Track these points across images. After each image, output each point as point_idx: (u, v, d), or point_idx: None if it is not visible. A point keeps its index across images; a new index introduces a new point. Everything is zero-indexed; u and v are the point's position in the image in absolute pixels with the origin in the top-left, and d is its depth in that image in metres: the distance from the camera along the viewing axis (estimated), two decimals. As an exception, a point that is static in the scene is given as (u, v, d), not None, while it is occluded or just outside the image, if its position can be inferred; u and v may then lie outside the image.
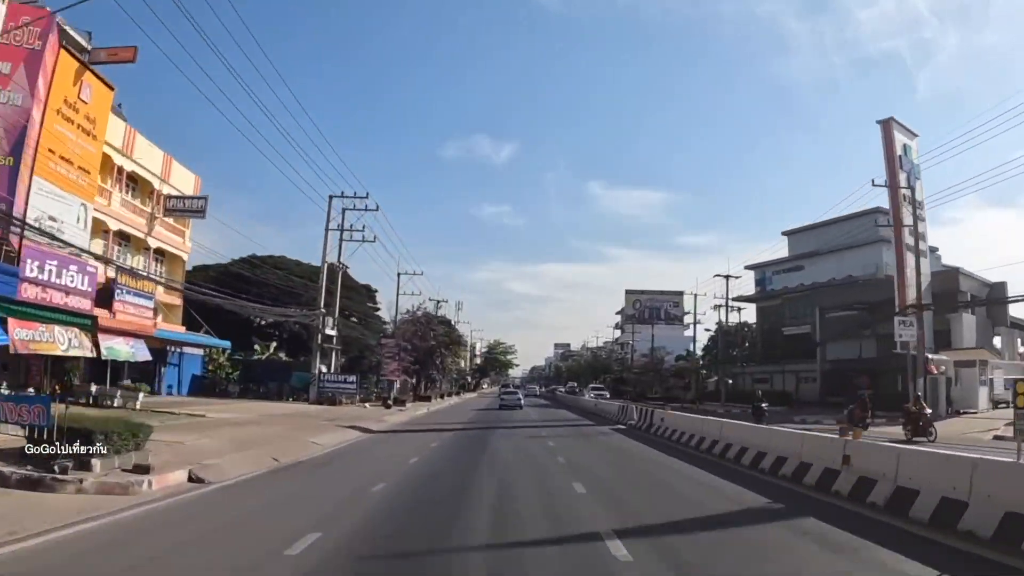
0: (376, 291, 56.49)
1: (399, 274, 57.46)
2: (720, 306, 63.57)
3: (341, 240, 40.40)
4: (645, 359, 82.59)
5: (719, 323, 75.77)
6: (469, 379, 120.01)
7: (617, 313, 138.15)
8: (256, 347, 45.41)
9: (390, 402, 37.05)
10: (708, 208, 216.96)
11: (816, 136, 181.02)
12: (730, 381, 70.95)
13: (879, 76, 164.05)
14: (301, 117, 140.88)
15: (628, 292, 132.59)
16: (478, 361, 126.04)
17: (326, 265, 39.11)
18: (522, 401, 48.07)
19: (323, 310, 38.24)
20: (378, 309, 55.52)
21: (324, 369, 39.91)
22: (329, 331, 39.15)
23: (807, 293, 62.18)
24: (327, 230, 39.60)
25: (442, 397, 58.82)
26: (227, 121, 74.80)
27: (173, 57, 65.46)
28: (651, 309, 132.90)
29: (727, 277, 62.34)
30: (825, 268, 64.63)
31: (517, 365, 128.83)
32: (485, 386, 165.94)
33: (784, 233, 74.65)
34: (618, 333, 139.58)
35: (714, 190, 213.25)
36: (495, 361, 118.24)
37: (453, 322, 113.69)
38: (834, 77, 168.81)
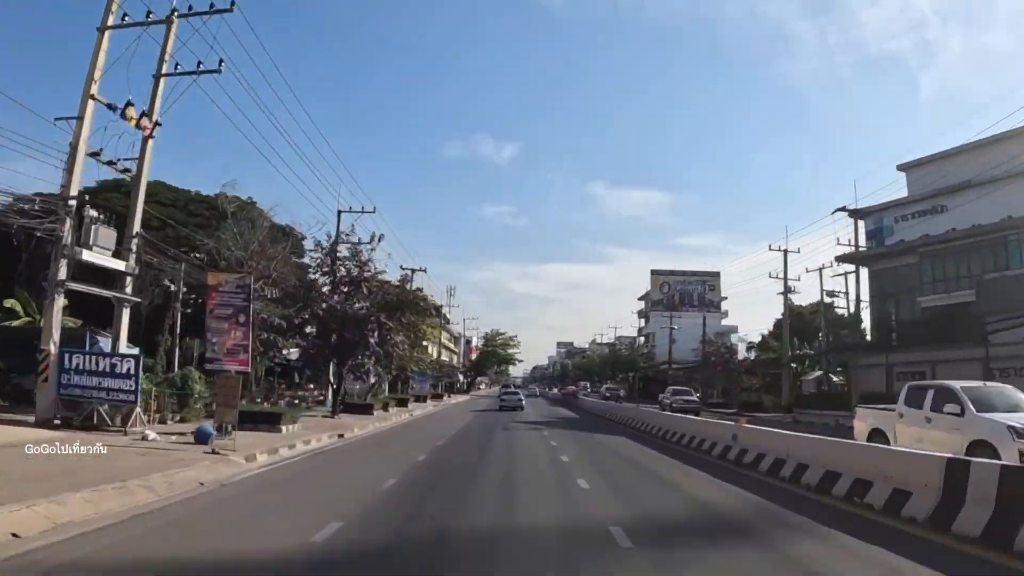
0: (303, 237, 34.04)
1: (340, 212, 35.44)
2: (846, 255, 41.18)
3: (162, 66, 18.32)
4: (709, 348, 60.32)
5: (822, 295, 53.57)
6: (461, 377, 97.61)
7: (640, 299, 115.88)
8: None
9: (215, 432, 14.39)
10: (710, 209, 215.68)
11: (819, 136, 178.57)
12: (834, 378, 48.98)
13: (883, 77, 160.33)
14: (297, 110, 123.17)
15: (654, 273, 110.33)
16: (473, 357, 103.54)
17: (91, 104, 16.87)
18: (524, 402, 44.86)
19: (67, 203, 16.01)
20: (301, 258, 32.79)
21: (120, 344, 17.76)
22: (101, 259, 16.94)
23: (984, 238, 39.68)
24: (103, 28, 17.40)
25: (404, 404, 36.61)
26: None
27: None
28: (682, 293, 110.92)
29: (855, 213, 40.00)
30: (984, 206, 42.24)
31: (520, 361, 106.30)
32: (483, 387, 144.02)
33: (901, 167, 52.10)
34: (642, 323, 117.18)
35: (717, 191, 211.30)
36: (493, 355, 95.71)
37: (443, 307, 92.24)
38: (838, 78, 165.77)
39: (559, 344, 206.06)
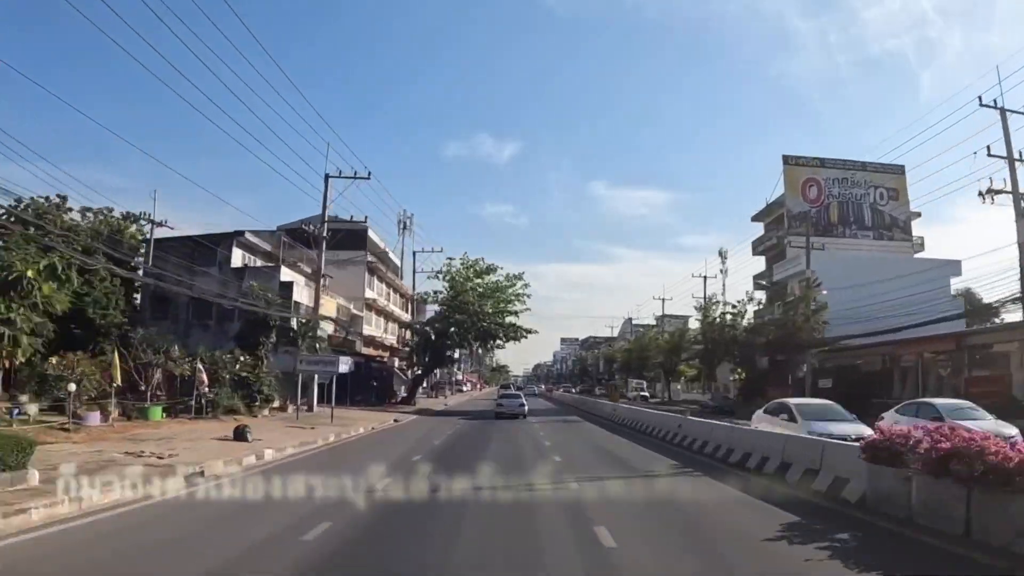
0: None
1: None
2: None
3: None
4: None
5: None
6: (405, 369, 45.10)
7: (754, 218, 63.37)
8: None
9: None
10: (712, 208, 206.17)
11: (820, 136, 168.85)
12: None
13: (883, 75, 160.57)
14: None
15: (789, 162, 57.91)
16: (433, 307, 49.43)
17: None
18: (526, 407, 35.95)
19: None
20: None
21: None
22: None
23: None
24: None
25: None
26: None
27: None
28: (843, 203, 59.19)
29: None
30: None
31: (533, 332, 51.95)
32: (467, 387, 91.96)
33: None
34: (760, 266, 64.77)
35: (718, 190, 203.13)
36: (472, 318, 42.36)
37: (389, 251, 41.70)
38: (839, 76, 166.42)
39: (563, 340, 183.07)
